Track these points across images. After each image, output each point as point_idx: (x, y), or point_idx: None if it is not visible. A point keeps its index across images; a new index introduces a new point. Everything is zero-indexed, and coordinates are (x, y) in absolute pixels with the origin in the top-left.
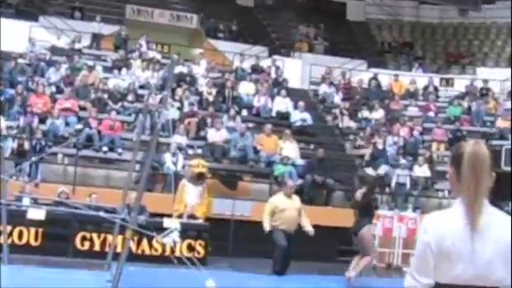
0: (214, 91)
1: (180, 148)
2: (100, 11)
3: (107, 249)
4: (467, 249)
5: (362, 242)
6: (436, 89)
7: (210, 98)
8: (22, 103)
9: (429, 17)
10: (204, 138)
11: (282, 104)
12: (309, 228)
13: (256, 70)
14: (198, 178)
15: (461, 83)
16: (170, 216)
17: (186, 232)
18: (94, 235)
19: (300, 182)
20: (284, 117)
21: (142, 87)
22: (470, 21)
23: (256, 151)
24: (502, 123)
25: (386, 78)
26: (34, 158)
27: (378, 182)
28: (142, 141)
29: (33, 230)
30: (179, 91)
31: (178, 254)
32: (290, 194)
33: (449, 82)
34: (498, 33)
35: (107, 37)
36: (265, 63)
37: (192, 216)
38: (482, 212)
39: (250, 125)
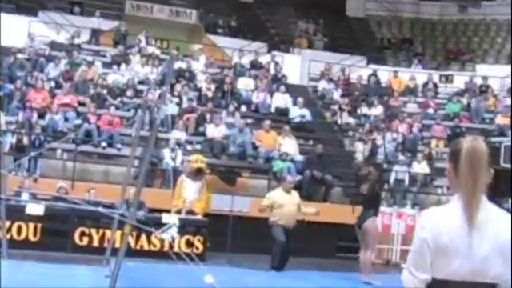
0: (213, 87)
1: (179, 144)
2: (99, 6)
3: (106, 244)
4: (464, 245)
5: (366, 234)
6: (435, 85)
7: (209, 94)
8: (21, 98)
9: (428, 13)
10: (203, 134)
11: (280, 100)
12: (310, 210)
13: (255, 65)
14: (197, 174)
15: (460, 80)
16: (168, 211)
17: (184, 228)
18: (93, 230)
19: (299, 178)
20: (283, 113)
21: (141, 83)
22: (470, 17)
23: (255, 147)
24: (501, 120)
25: (385, 74)
26: (32, 153)
27: (379, 169)
28: (140, 136)
29: (32, 225)
30: (178, 87)
31: (176, 249)
32: (288, 189)
33: (448, 79)
34: (498, 30)
35: (106, 32)
36: (264, 59)
37: (191, 212)
38: (479, 208)
39: (249, 121)
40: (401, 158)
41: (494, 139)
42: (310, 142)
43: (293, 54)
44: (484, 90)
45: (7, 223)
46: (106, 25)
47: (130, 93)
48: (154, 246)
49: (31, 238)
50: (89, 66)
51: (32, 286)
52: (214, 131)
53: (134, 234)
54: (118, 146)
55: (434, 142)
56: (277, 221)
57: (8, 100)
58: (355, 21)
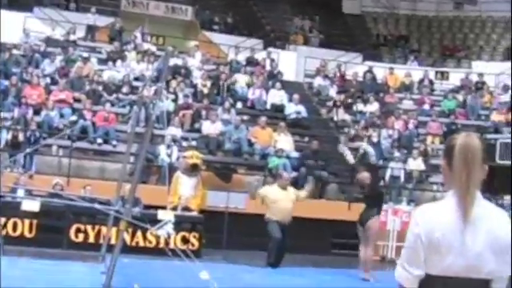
0: (208, 83)
1: (174, 140)
2: (95, 3)
3: (101, 241)
4: (457, 240)
5: (368, 232)
6: (431, 82)
7: (205, 91)
8: (16, 94)
9: (424, 10)
10: (198, 131)
11: (276, 96)
12: (305, 191)
13: (251, 62)
14: (192, 169)
15: (456, 77)
16: (164, 208)
17: (180, 224)
18: (89, 227)
19: (294, 174)
20: (278, 109)
21: (136, 79)
22: (466, 14)
23: (250, 144)
24: (496, 117)
25: (381, 71)
26: (28, 150)
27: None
28: (136, 133)
29: (27, 221)
30: (173, 83)
31: (172, 246)
32: (284, 186)
33: (444, 76)
34: (494, 26)
35: (102, 28)
36: (260, 56)
37: (186, 208)
38: (473, 203)
39: (245, 117)
40: (396, 154)
41: (489, 136)
42: (306, 139)
43: (288, 51)
44: (480, 86)
45: (2, 220)
46: (102, 21)
47: (125, 89)
48: (150, 242)
49: (27, 234)
50: (84, 63)
51: (27, 283)
52: (209, 128)
53: (130, 230)
54: (114, 142)
55: (429, 139)
56: (272, 217)
57: (3, 96)
58: (351, 17)
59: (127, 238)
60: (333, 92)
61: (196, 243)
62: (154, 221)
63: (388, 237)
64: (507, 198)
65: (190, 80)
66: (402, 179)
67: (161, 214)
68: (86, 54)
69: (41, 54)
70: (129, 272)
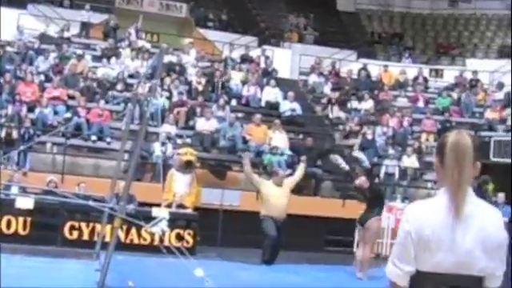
0: (203, 81)
1: (169, 137)
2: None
3: (96, 238)
4: (447, 237)
5: (368, 232)
6: (425, 79)
7: (200, 88)
8: (10, 91)
9: (419, 8)
10: (193, 128)
11: (271, 94)
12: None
13: (245, 59)
14: (187, 166)
15: (450, 74)
16: (158, 205)
17: (174, 221)
18: (83, 224)
19: (289, 171)
20: (273, 107)
21: (131, 76)
22: (460, 12)
23: (245, 141)
24: (490, 114)
25: (375, 68)
26: (22, 147)
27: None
28: (130, 130)
29: (21, 219)
30: (167, 80)
31: (166, 243)
32: (279, 182)
33: (438, 73)
34: (488, 24)
35: (96, 25)
36: (254, 53)
37: (181, 205)
38: (465, 200)
39: (239, 114)
40: (391, 152)
41: (483, 133)
42: (301, 136)
43: (283, 48)
44: (474, 84)
45: None
46: (96, 18)
47: (119, 86)
48: (144, 239)
49: (21, 231)
50: (78, 60)
51: (22, 280)
52: (204, 125)
53: (124, 227)
54: (108, 139)
55: (424, 136)
56: (268, 213)
57: None
58: (346, 15)
59: (121, 235)
60: (327, 89)
61: (190, 240)
62: (149, 218)
63: (382, 234)
64: (501, 195)
65: (184, 77)
66: (397, 176)
67: (155, 212)
68: (80, 51)
69: (35, 51)
70: (123, 269)
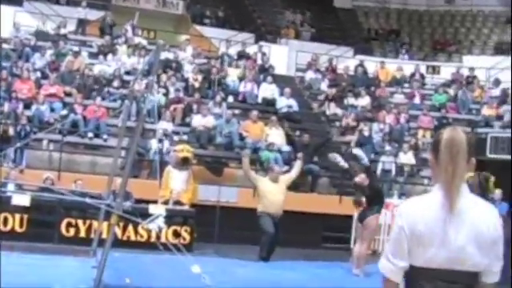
0: (199, 77)
1: (166, 134)
2: None
3: (92, 235)
4: (440, 233)
5: (366, 229)
6: (422, 76)
7: (196, 84)
8: (6, 89)
9: (416, 4)
10: (190, 125)
11: (267, 90)
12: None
13: (242, 56)
14: (183, 163)
15: (447, 71)
16: (155, 202)
17: (171, 218)
18: (80, 221)
19: (286, 168)
20: (270, 103)
21: (127, 73)
22: (457, 8)
23: (242, 138)
24: (487, 111)
25: (372, 65)
26: (18, 144)
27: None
28: (127, 127)
29: (18, 216)
30: (164, 77)
31: (163, 240)
32: (276, 179)
33: (435, 70)
34: (485, 21)
35: (93, 22)
36: (251, 49)
37: (177, 202)
38: (459, 196)
39: (236, 111)
40: (387, 148)
41: (480, 130)
42: (297, 133)
43: (280, 45)
44: (470, 80)
45: None
46: (93, 15)
47: (116, 83)
48: (141, 236)
49: (17, 229)
50: (75, 57)
51: (18, 278)
52: (200, 122)
53: (121, 224)
54: (105, 136)
55: (420, 133)
56: (265, 210)
57: None
58: (342, 11)
59: (118, 232)
60: (324, 86)
61: (187, 237)
62: (146, 215)
63: (379, 230)
64: (497, 192)
65: (181, 74)
66: (393, 173)
67: (152, 208)
68: (76, 48)
69: (31, 48)
70: (120, 266)
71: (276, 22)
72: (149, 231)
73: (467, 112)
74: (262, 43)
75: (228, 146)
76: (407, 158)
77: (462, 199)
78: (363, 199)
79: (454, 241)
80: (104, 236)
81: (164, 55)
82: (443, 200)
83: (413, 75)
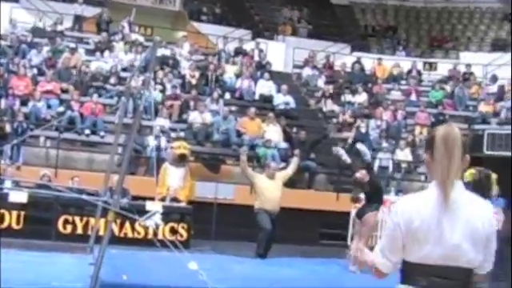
0: (197, 74)
1: (163, 131)
2: None
3: (90, 232)
4: (435, 230)
5: (364, 225)
6: (419, 73)
7: (193, 81)
8: (3, 85)
9: (413, 1)
10: (187, 121)
11: (265, 87)
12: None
13: (239, 53)
14: (180, 160)
15: (444, 67)
16: (152, 199)
17: (168, 215)
18: (77, 218)
19: (283, 165)
20: (267, 100)
21: (124, 70)
22: (454, 5)
23: (239, 134)
24: (484, 107)
25: (369, 61)
26: (15, 141)
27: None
28: (124, 124)
29: (15, 213)
30: (161, 74)
31: (160, 236)
32: (272, 175)
33: (432, 66)
34: (482, 17)
35: (89, 19)
36: (248, 46)
37: (174, 199)
38: (454, 192)
39: (233, 108)
40: (384, 145)
41: (477, 126)
42: (294, 129)
43: (277, 41)
44: (467, 77)
45: None
46: (89, 11)
47: (113, 80)
48: (138, 233)
49: (14, 226)
50: (72, 53)
51: (15, 275)
52: (197, 118)
53: (118, 221)
54: (102, 133)
55: (417, 129)
56: (262, 206)
57: None
58: (339, 8)
59: (115, 229)
60: (321, 83)
61: (184, 234)
62: (143, 212)
63: (377, 227)
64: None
65: (178, 71)
66: (391, 169)
67: (149, 205)
68: (73, 45)
69: (28, 45)
70: (117, 263)
71: (273, 18)
72: (146, 228)
73: (464, 108)
74: (259, 40)
75: (225, 143)
76: (404, 154)
77: (458, 196)
78: (361, 196)
79: (450, 238)
80: (101, 233)
81: (161, 52)
82: (439, 197)
83: (410, 72)
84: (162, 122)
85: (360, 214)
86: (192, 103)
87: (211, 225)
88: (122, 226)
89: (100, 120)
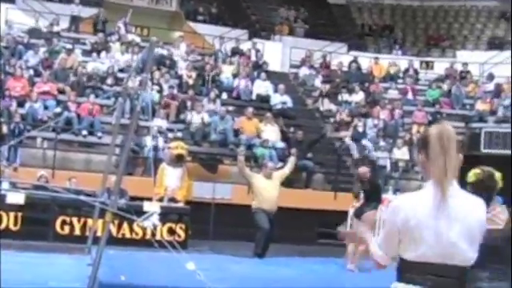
0: (193, 74)
1: (160, 131)
2: None
3: (87, 233)
4: (432, 229)
5: (363, 223)
6: (416, 71)
7: (190, 81)
8: None
9: (409, 0)
10: (184, 122)
11: (262, 87)
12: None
13: (236, 52)
14: (178, 160)
15: (441, 66)
16: (150, 199)
17: (166, 215)
18: (74, 219)
19: (280, 164)
20: (264, 100)
21: (121, 70)
22: (450, 4)
23: (236, 134)
24: (481, 106)
25: (366, 60)
26: (12, 142)
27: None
28: (121, 124)
29: (12, 214)
30: (157, 74)
31: (158, 237)
32: (269, 175)
33: (429, 65)
34: (478, 16)
35: (86, 19)
36: (245, 46)
37: (172, 199)
38: (451, 191)
39: (230, 108)
40: (382, 144)
41: (474, 125)
42: (292, 129)
43: (274, 41)
44: (464, 76)
45: None
46: (86, 12)
47: (110, 80)
48: (136, 234)
49: (12, 227)
50: (68, 54)
51: (13, 276)
52: (195, 118)
53: (116, 222)
54: (99, 134)
55: (415, 128)
56: (259, 206)
57: None
58: (336, 7)
59: (113, 229)
60: (318, 82)
61: (182, 234)
62: (140, 212)
63: (375, 225)
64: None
65: (174, 71)
66: (388, 168)
67: (147, 206)
68: (69, 46)
69: (24, 46)
70: (115, 264)
71: (270, 18)
72: (144, 228)
73: (461, 107)
74: (255, 40)
75: (222, 143)
76: (402, 153)
77: (455, 195)
78: (361, 192)
79: (446, 237)
80: (99, 233)
81: (157, 52)
82: (436, 196)
83: (407, 71)
84: (159, 122)
85: (358, 213)
86: (189, 103)
87: (209, 225)
88: (119, 226)
89: (97, 121)
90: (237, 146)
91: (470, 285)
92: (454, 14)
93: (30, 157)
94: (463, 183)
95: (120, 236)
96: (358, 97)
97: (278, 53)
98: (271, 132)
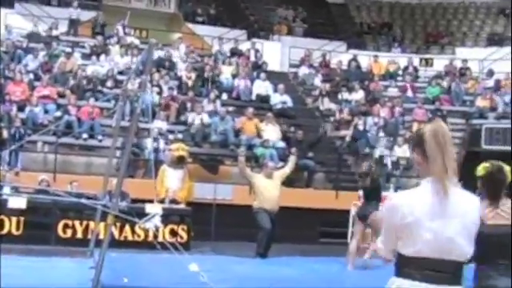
0: (193, 75)
1: (160, 133)
2: None
3: (89, 236)
4: (430, 225)
5: (373, 226)
6: (415, 69)
7: (190, 83)
8: None
9: None
10: (184, 123)
11: (261, 87)
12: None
13: (235, 53)
14: (179, 162)
15: (440, 63)
16: (151, 201)
17: (168, 217)
18: (76, 222)
19: (281, 164)
20: (264, 100)
21: (120, 73)
22: (449, 1)
23: (237, 135)
24: (481, 102)
25: (365, 59)
26: (13, 147)
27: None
28: (121, 127)
29: (14, 219)
30: (157, 76)
31: (160, 239)
32: (270, 174)
33: (428, 62)
34: (477, 12)
35: (85, 23)
36: (244, 46)
37: (173, 201)
38: (451, 187)
39: (230, 108)
40: (382, 142)
41: (474, 121)
42: (292, 129)
43: (273, 41)
44: (464, 72)
45: None
46: (84, 15)
47: (109, 83)
48: (138, 236)
49: (14, 231)
50: (68, 58)
51: (16, 280)
52: (195, 119)
53: (118, 224)
54: (99, 137)
55: (415, 126)
56: (261, 206)
57: None
58: (334, 6)
59: (115, 232)
60: (318, 81)
61: (184, 236)
62: (142, 214)
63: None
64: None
65: (174, 72)
66: (389, 166)
67: (148, 208)
68: (69, 49)
69: (23, 50)
70: (118, 266)
71: (268, 18)
72: (146, 231)
73: (461, 104)
74: (254, 40)
75: (223, 144)
76: (402, 151)
77: (453, 191)
78: (360, 193)
79: (445, 233)
80: (101, 236)
81: (157, 54)
82: (437, 193)
83: (406, 68)
84: (159, 124)
85: (360, 213)
86: (189, 105)
87: (211, 226)
88: (121, 229)
89: (97, 124)
90: (237, 146)
91: (481, 282)
92: (453, 11)
93: (30, 161)
94: (470, 178)
95: (122, 238)
96: (358, 95)
97: (277, 52)
98: (272, 132)
